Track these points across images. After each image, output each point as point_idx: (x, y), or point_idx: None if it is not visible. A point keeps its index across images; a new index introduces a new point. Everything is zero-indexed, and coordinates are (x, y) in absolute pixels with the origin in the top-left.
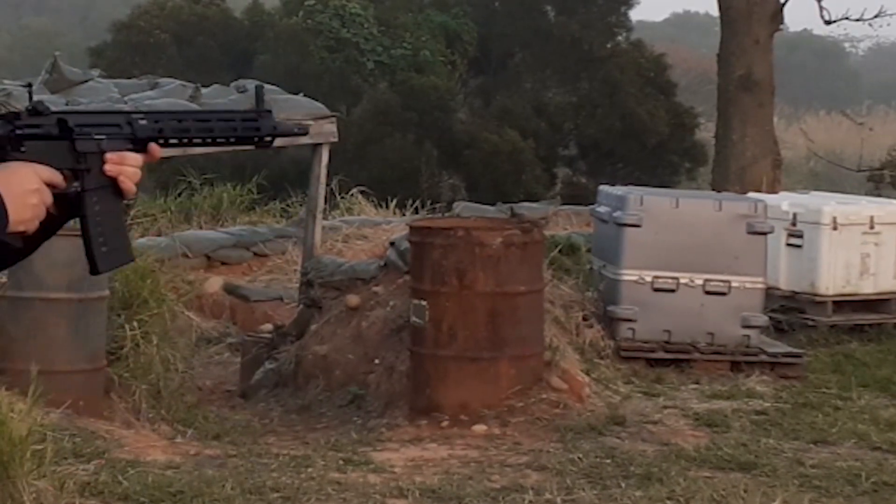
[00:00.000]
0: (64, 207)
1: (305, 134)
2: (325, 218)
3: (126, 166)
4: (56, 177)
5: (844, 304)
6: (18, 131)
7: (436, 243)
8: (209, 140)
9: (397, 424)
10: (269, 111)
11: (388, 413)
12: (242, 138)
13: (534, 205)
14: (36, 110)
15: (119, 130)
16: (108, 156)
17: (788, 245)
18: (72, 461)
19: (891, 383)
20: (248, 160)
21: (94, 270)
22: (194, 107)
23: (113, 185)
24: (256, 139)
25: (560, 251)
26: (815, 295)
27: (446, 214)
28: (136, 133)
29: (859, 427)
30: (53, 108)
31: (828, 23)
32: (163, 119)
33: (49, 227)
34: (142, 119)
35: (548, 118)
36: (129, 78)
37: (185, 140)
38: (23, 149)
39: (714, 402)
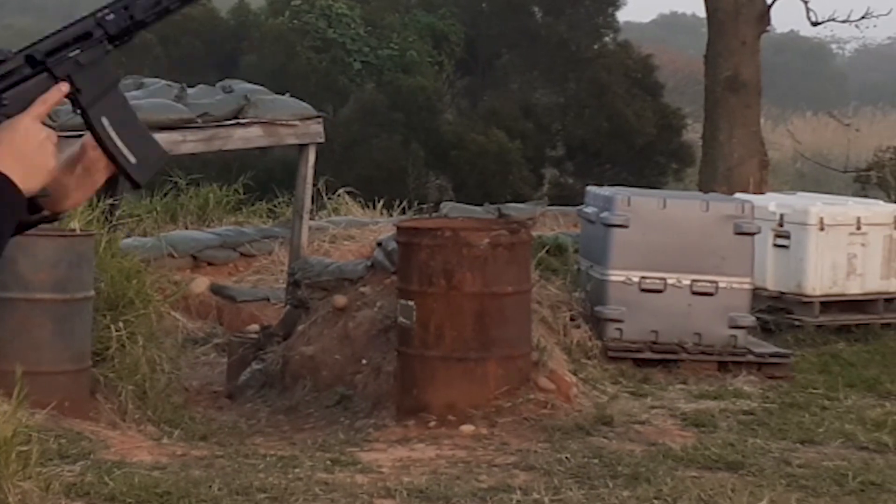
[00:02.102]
0: None
1: None
2: (311, 218)
3: None
4: (49, 101)
5: (831, 304)
6: None
7: (423, 244)
8: (185, 3)
9: (385, 425)
10: None
11: (375, 413)
12: None
13: (521, 205)
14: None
15: (91, 36)
16: None
17: (775, 246)
18: (57, 462)
19: (877, 383)
20: (235, 160)
21: (135, 184)
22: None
23: (111, 89)
24: None
25: (547, 252)
26: (802, 295)
27: (433, 215)
28: (108, 31)
29: (846, 427)
30: (15, 50)
31: (815, 24)
32: (131, 2)
33: None
34: (109, 14)
35: (535, 119)
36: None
37: (162, 12)
38: (5, 102)
39: (701, 402)
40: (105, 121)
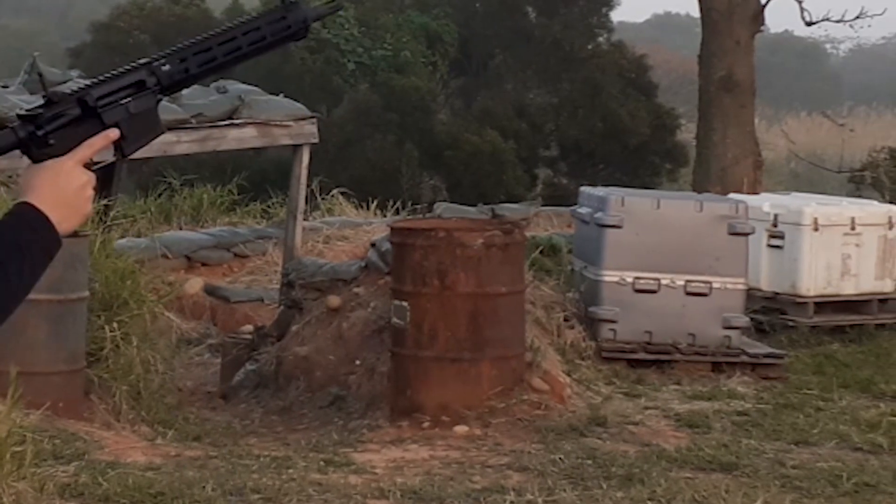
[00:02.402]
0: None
1: (339, 8)
2: (305, 219)
3: None
4: (95, 147)
5: (825, 304)
6: (40, 131)
7: (417, 244)
8: (240, 58)
9: (378, 425)
10: (295, 2)
11: (369, 414)
12: (276, 42)
13: (515, 206)
14: (50, 101)
15: (144, 85)
16: None
17: (769, 246)
18: (52, 463)
19: (872, 384)
20: (229, 161)
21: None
22: (217, 31)
23: (154, 138)
24: (291, 36)
25: (541, 252)
26: (797, 296)
27: (427, 215)
28: (161, 82)
29: (840, 428)
30: (71, 90)
31: (809, 24)
32: (187, 55)
33: None
34: (164, 65)
35: (529, 119)
36: None
37: (216, 69)
38: (51, 141)
39: (695, 403)
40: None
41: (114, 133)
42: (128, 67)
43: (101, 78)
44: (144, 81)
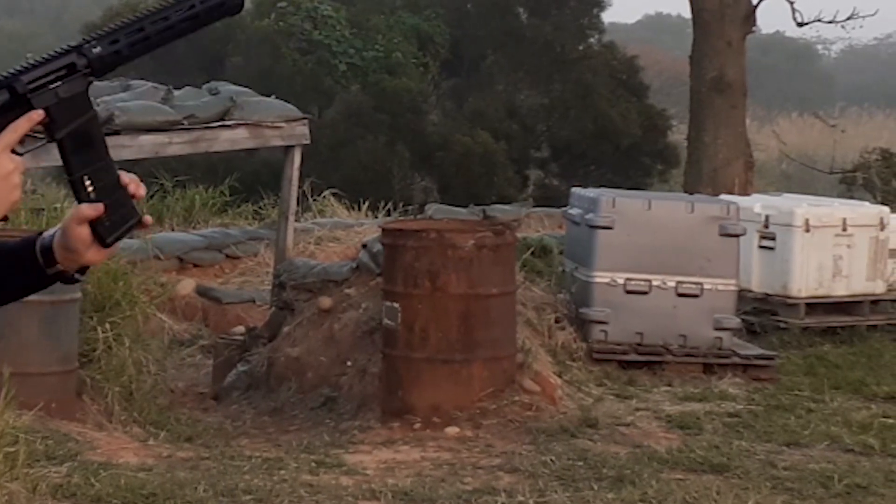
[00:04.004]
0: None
1: None
2: (297, 220)
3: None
4: (20, 130)
5: (817, 306)
6: None
7: (408, 245)
8: (173, 37)
9: (370, 426)
10: None
11: (360, 415)
12: (208, 19)
13: (506, 207)
14: None
15: (74, 68)
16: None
17: (761, 247)
18: (44, 463)
19: (863, 385)
20: (221, 162)
21: (103, 243)
22: (148, 10)
23: (86, 122)
24: (224, 11)
25: (532, 253)
26: (788, 297)
27: (418, 216)
28: (92, 65)
29: (832, 429)
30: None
31: (800, 25)
32: (119, 37)
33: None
34: (95, 47)
35: (520, 120)
36: (101, 80)
37: (149, 47)
38: None
39: (686, 405)
40: (72, 148)
41: (37, 115)
42: (57, 51)
43: (30, 63)
44: (74, 64)
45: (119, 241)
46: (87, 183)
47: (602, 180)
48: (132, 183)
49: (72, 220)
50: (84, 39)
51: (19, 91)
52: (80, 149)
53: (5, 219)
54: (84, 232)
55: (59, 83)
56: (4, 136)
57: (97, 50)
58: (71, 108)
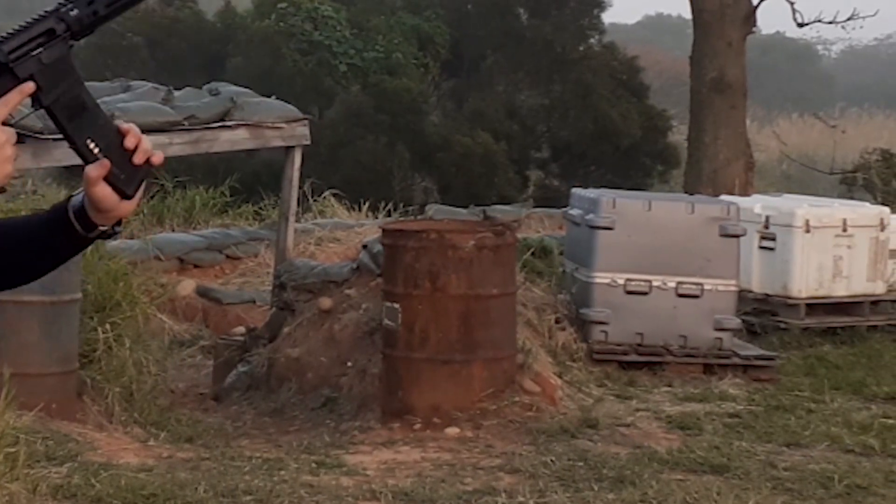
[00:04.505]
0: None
1: None
2: (297, 221)
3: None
4: (10, 102)
5: (817, 306)
6: None
7: (408, 246)
8: None
9: (370, 427)
10: None
11: (360, 416)
12: None
13: (506, 207)
14: None
15: (54, 34)
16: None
17: (761, 248)
18: (44, 464)
19: (863, 386)
20: (221, 163)
21: (125, 195)
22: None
23: (72, 86)
24: None
25: (532, 254)
26: (788, 297)
27: (419, 217)
28: (71, 28)
29: (832, 430)
30: None
31: (801, 25)
32: None
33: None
34: (72, 10)
35: (520, 120)
36: (102, 80)
37: (126, 5)
38: None
39: (687, 405)
40: (65, 113)
41: (29, 87)
42: (35, 17)
43: (10, 32)
44: (54, 29)
45: (140, 188)
46: (92, 146)
47: (602, 181)
48: (130, 134)
49: (87, 186)
50: (60, 3)
51: (1, 61)
52: (74, 114)
53: (2, 190)
54: (104, 191)
55: (40, 49)
56: (2, 109)
57: (75, 13)
58: (55, 74)
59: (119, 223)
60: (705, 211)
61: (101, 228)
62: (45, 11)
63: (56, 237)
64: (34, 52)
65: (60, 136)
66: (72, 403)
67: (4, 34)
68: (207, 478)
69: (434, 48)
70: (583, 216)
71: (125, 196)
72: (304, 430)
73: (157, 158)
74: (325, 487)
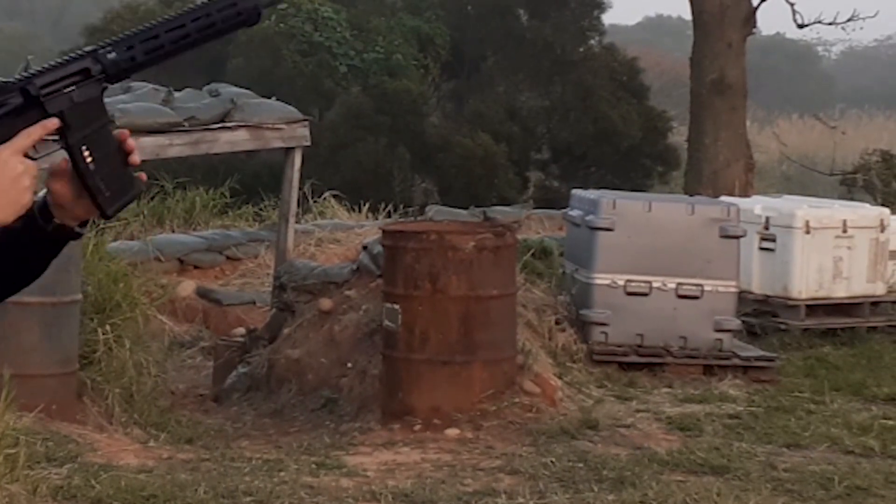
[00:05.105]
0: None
1: None
2: (297, 222)
3: None
4: (34, 136)
5: (817, 307)
6: None
7: (408, 247)
8: (189, 45)
9: (370, 428)
10: None
11: (360, 417)
12: (225, 29)
13: (506, 208)
14: None
15: (89, 73)
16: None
17: (761, 249)
18: (45, 465)
19: (863, 387)
20: (221, 164)
21: (105, 215)
22: (165, 18)
23: (100, 128)
24: (241, 23)
25: (533, 255)
26: (788, 298)
27: (419, 218)
28: (107, 70)
29: (832, 431)
30: (14, 78)
31: (801, 26)
32: (134, 43)
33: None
34: (110, 52)
35: (520, 122)
36: None
37: (166, 55)
38: None
39: (687, 406)
40: (89, 158)
41: (52, 123)
42: (73, 55)
43: (46, 66)
44: (89, 69)
45: (120, 211)
46: (103, 187)
47: (602, 182)
48: (127, 141)
49: (49, 174)
50: (99, 45)
51: (32, 94)
52: (96, 156)
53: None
54: (62, 187)
55: (73, 88)
56: (17, 140)
57: (112, 56)
58: (85, 114)
59: (84, 224)
60: (705, 212)
61: (57, 222)
62: (83, 51)
63: (25, 238)
64: (66, 90)
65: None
66: (72, 405)
67: (39, 68)
68: (207, 479)
69: (434, 49)
70: (583, 217)
71: (104, 214)
72: (305, 432)
73: (142, 176)
74: (325, 488)
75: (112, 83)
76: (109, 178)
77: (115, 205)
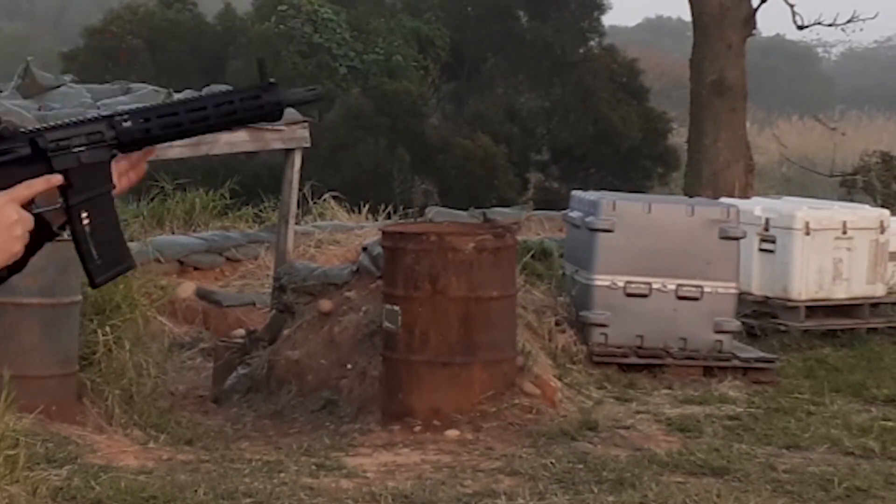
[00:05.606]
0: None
1: (319, 98)
2: (297, 223)
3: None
4: (35, 188)
5: (817, 309)
6: None
7: (408, 248)
8: (206, 129)
9: (370, 429)
10: (274, 83)
11: (360, 418)
12: (245, 119)
13: (506, 210)
14: (1, 136)
15: (101, 137)
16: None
17: (761, 250)
18: (44, 466)
19: (863, 388)
20: (221, 165)
21: (93, 283)
22: (187, 94)
23: (103, 194)
24: (261, 116)
25: (532, 256)
26: (788, 300)
27: (419, 219)
28: (120, 138)
29: (832, 432)
30: (27, 128)
31: (801, 28)
32: (151, 116)
33: (33, 247)
34: (126, 121)
35: (520, 123)
36: (102, 83)
37: (181, 133)
38: None
39: (686, 408)
40: (86, 221)
41: (56, 179)
42: (90, 117)
43: (60, 123)
44: (103, 133)
45: (108, 282)
46: (96, 255)
47: (602, 183)
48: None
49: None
50: (117, 112)
51: (41, 146)
52: (93, 219)
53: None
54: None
55: (83, 148)
56: (17, 189)
57: (127, 125)
58: (90, 176)
59: (14, 268)
60: (705, 213)
61: None
62: (101, 114)
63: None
64: (76, 149)
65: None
66: (72, 406)
67: (54, 124)
68: (207, 480)
69: (434, 51)
70: (583, 218)
71: (92, 283)
72: (304, 433)
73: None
74: (324, 490)
75: (123, 152)
76: (103, 246)
77: (104, 274)
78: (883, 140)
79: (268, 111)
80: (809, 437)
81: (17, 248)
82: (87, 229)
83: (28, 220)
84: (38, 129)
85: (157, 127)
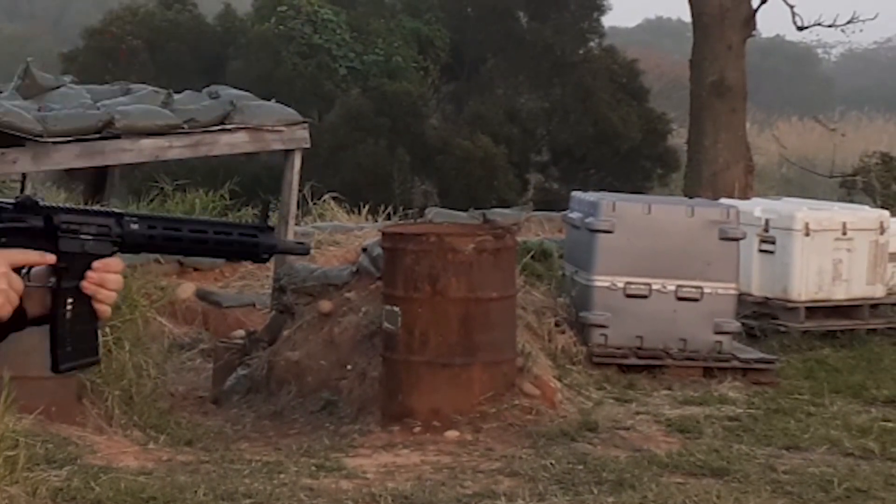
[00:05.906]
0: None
1: (307, 253)
2: (297, 224)
3: (103, 287)
4: (29, 258)
5: (817, 309)
6: (1, 224)
7: (408, 249)
8: (200, 252)
9: (370, 430)
10: (271, 228)
11: (360, 419)
12: (238, 253)
13: (506, 210)
14: (23, 205)
15: (108, 231)
16: (89, 273)
17: (761, 251)
18: (44, 467)
19: (863, 389)
20: (221, 166)
21: (54, 368)
22: (192, 217)
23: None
24: (253, 256)
25: (532, 257)
26: (788, 301)
27: (419, 220)
28: (124, 237)
29: (832, 433)
30: (44, 203)
31: (800, 28)
32: (157, 225)
33: (20, 321)
34: (134, 223)
35: (520, 124)
36: (102, 84)
37: (179, 249)
38: (3, 239)
39: (686, 408)
40: (69, 308)
41: (50, 258)
42: (103, 210)
43: (77, 207)
44: (110, 228)
45: (68, 371)
46: (70, 302)
47: (602, 184)
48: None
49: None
50: (128, 212)
51: (53, 223)
52: (75, 310)
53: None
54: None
55: (89, 238)
56: (13, 254)
57: (134, 227)
58: (87, 267)
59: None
60: (705, 214)
61: None
62: (112, 210)
63: None
64: (83, 236)
65: (63, 140)
66: (71, 407)
67: (70, 206)
68: (207, 481)
69: (434, 51)
70: (582, 219)
71: (55, 367)
72: (304, 434)
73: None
74: (324, 491)
75: (122, 251)
76: (78, 336)
77: (69, 363)
78: (883, 141)
79: (261, 251)
80: (809, 438)
81: (6, 311)
82: (68, 315)
83: (18, 284)
84: (56, 207)
85: (161, 237)
